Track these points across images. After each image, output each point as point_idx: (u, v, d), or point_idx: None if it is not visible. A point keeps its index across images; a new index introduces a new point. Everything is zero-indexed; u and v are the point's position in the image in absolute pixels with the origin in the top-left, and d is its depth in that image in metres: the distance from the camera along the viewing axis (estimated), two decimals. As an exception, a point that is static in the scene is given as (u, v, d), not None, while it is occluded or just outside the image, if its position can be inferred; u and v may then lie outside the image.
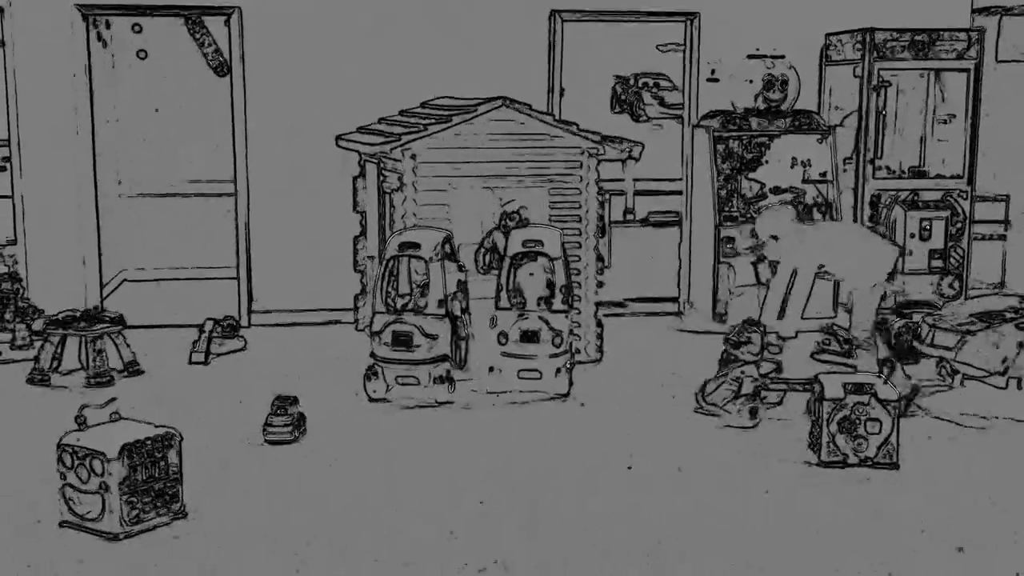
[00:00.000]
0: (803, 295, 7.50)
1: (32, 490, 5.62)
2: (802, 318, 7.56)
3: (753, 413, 6.82)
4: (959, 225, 9.24)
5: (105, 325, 7.77)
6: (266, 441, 6.47)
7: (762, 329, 7.02)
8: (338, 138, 8.77)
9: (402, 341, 7.17)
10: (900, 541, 5.23)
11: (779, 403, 7.04)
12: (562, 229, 7.69)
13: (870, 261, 7.45)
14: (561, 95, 9.38)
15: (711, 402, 6.99)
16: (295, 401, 6.57)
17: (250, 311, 9.31)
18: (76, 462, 5.23)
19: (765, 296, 7.88)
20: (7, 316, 8.54)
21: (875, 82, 9.02)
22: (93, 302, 9.10)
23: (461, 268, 7.52)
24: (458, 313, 7.40)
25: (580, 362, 7.96)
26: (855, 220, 9.16)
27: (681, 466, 6.18)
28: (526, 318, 7.33)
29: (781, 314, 7.63)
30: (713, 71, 9.53)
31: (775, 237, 7.59)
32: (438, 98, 8.73)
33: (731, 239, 7.87)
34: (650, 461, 6.25)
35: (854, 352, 7.42)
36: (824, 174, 9.29)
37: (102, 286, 9.48)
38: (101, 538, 5.17)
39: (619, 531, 5.32)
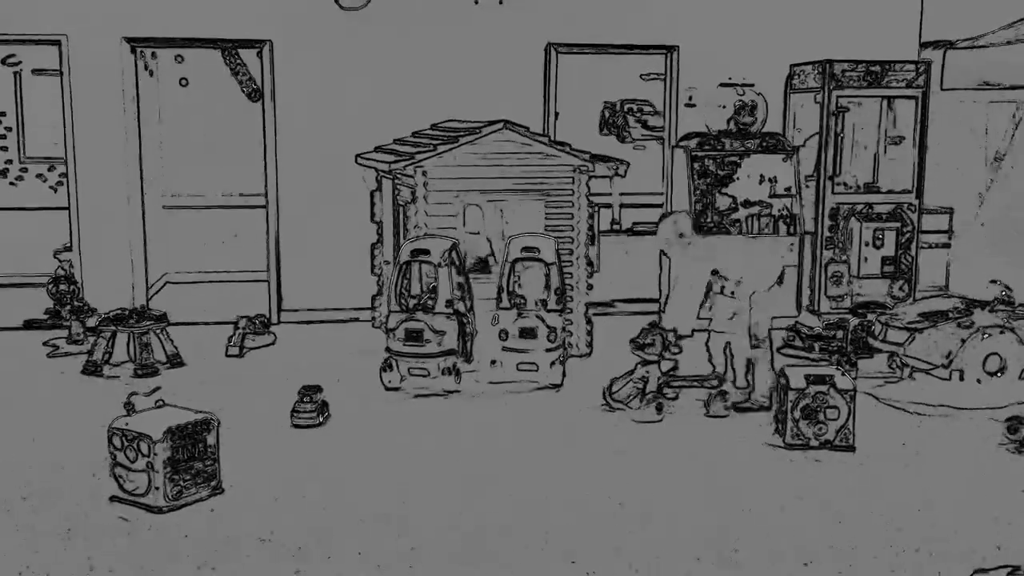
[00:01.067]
0: (696, 297, 7.15)
1: (87, 468, 5.62)
2: (699, 317, 7.30)
3: (659, 409, 6.69)
4: (908, 234, 9.24)
5: (151, 322, 7.77)
6: (294, 425, 6.47)
7: (663, 331, 6.91)
8: (358, 156, 8.78)
9: (414, 337, 7.17)
10: (855, 513, 5.24)
11: (675, 398, 6.98)
12: (556, 238, 7.69)
13: (759, 270, 7.12)
14: (555, 119, 9.38)
15: (617, 399, 6.85)
16: (319, 390, 6.57)
17: (280, 310, 9.31)
18: (125, 444, 5.23)
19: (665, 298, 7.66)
20: (64, 314, 8.55)
21: (834, 107, 9.02)
22: (140, 301, 9.10)
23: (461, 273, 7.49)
24: (464, 311, 7.39)
25: (572, 356, 7.96)
26: (816, 230, 9.16)
27: (662, 449, 6.19)
28: (524, 317, 7.33)
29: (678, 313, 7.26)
30: (690, 97, 9.52)
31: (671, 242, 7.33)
32: (446, 121, 8.74)
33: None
34: (635, 443, 6.26)
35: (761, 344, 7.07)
36: (789, 189, 9.28)
37: (148, 287, 9.48)
38: (147, 511, 5.17)
39: (608, 508, 5.33)
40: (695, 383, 7.03)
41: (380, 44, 9.08)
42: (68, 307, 8.52)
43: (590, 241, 8.16)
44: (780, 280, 7.02)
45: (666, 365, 6.94)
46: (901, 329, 7.41)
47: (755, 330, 6.90)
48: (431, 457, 6.03)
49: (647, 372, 6.83)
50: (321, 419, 6.52)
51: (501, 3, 9.11)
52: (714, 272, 7.01)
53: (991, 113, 10.07)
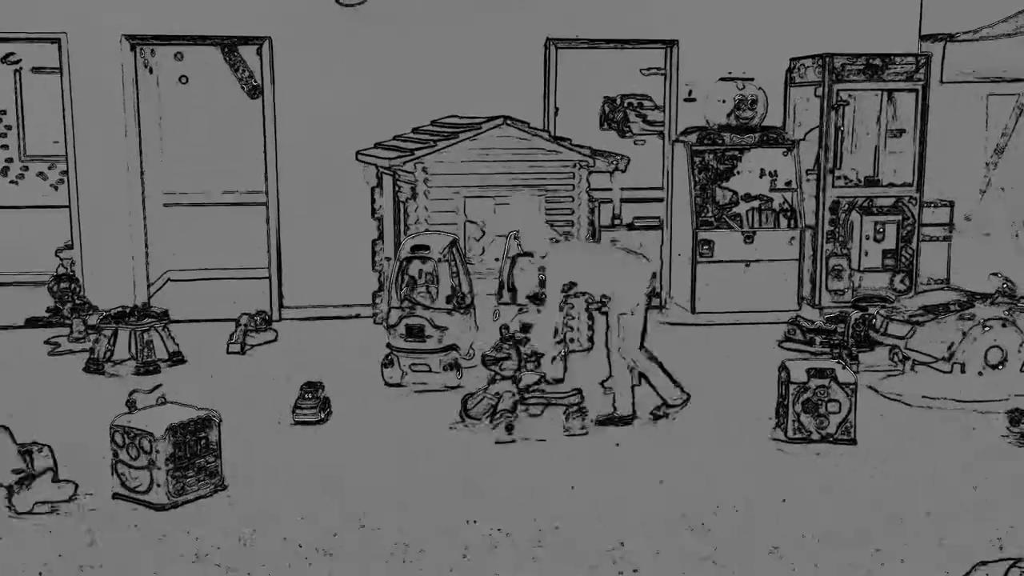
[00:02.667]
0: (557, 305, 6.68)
1: (89, 466, 5.61)
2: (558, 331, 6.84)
3: (509, 429, 6.23)
4: (909, 228, 9.23)
5: (152, 320, 7.77)
6: (295, 422, 6.47)
7: (519, 344, 6.49)
8: (358, 153, 8.77)
9: (415, 333, 7.17)
10: (856, 506, 5.24)
11: (540, 414, 6.56)
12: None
13: (627, 280, 6.48)
14: (555, 114, 9.37)
15: (473, 416, 6.40)
16: (321, 386, 6.57)
17: (281, 306, 9.31)
18: (127, 441, 5.23)
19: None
20: (65, 312, 8.55)
21: (834, 101, 9.01)
22: (141, 299, 9.10)
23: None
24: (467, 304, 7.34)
25: (573, 350, 7.96)
26: (817, 224, 9.16)
27: (665, 442, 6.19)
28: (525, 311, 7.31)
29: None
30: (690, 92, 9.52)
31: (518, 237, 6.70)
32: (446, 117, 8.73)
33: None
34: (636, 441, 6.26)
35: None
36: (789, 183, 9.28)
37: (149, 285, 9.48)
38: (149, 508, 5.17)
39: (608, 508, 5.33)
40: (554, 400, 6.60)
41: (380, 40, 9.07)
42: (69, 305, 8.52)
43: (591, 236, 8.15)
44: (652, 295, 6.49)
45: (531, 378, 6.56)
46: (902, 322, 7.40)
47: (624, 352, 6.46)
48: (432, 453, 6.03)
49: (501, 388, 6.40)
50: (323, 415, 6.52)
51: (500, -2, 9.10)
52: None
53: (991, 106, 10.05)
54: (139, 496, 5.21)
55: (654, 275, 6.51)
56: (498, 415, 6.31)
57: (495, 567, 4.67)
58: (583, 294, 6.70)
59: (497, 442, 6.16)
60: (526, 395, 6.57)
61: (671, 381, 6.55)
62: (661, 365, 6.53)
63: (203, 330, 8.61)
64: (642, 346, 6.48)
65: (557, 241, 6.63)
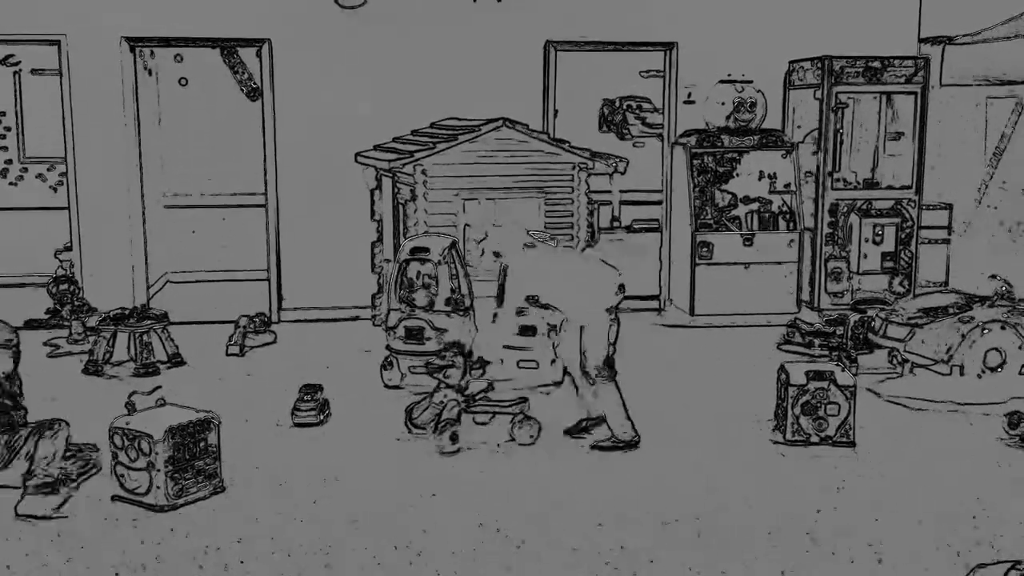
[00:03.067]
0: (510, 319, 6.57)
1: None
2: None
3: (454, 439, 6.04)
4: (908, 230, 9.23)
5: (151, 321, 7.76)
6: (295, 424, 6.47)
7: (464, 351, 6.33)
8: (357, 155, 8.77)
9: (414, 335, 7.17)
10: (854, 508, 5.24)
11: (488, 423, 6.32)
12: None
13: (593, 289, 6.14)
14: (555, 116, 9.37)
15: (418, 425, 6.26)
16: (320, 388, 6.57)
17: (280, 308, 9.31)
18: (126, 443, 5.23)
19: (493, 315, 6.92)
20: (65, 314, 8.54)
21: (833, 104, 9.02)
22: (140, 301, 9.09)
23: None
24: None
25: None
26: (816, 226, 9.16)
27: (662, 443, 6.19)
28: (524, 314, 7.31)
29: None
30: (689, 94, 9.53)
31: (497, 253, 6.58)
32: (446, 119, 8.73)
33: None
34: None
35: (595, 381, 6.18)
36: (788, 185, 9.29)
37: (148, 287, 9.48)
38: (149, 510, 5.17)
39: (609, 506, 5.33)
40: (501, 408, 6.32)
41: (379, 42, 9.07)
42: (69, 307, 8.52)
43: (590, 238, 8.15)
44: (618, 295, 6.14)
45: (478, 386, 6.35)
46: (901, 325, 7.40)
47: (588, 364, 6.14)
48: (431, 456, 6.03)
49: (446, 397, 6.22)
50: (322, 418, 6.52)
51: (499, 1, 9.10)
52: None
53: (990, 108, 10.05)
54: (138, 498, 5.21)
55: (621, 287, 6.17)
56: (442, 424, 6.10)
57: (495, 567, 4.66)
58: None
59: (441, 452, 6.00)
60: (472, 404, 6.31)
61: (626, 414, 6.11)
62: (621, 395, 6.14)
63: (202, 332, 8.60)
64: (608, 367, 6.14)
65: (532, 246, 6.49)
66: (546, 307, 6.25)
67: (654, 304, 9.73)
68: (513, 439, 6.18)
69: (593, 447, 6.12)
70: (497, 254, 6.46)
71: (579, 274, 6.28)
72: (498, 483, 5.62)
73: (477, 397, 6.36)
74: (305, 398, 6.48)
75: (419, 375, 7.16)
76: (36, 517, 5.07)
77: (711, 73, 9.27)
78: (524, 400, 6.34)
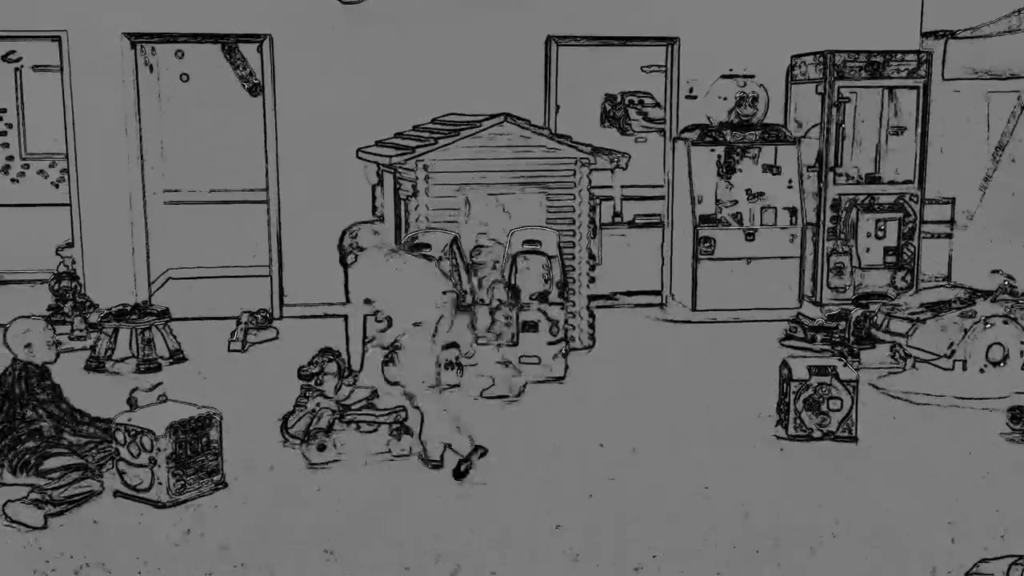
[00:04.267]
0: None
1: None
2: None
3: (321, 448, 5.80)
4: (910, 225, 9.22)
5: (153, 318, 7.77)
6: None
7: (338, 358, 6.14)
8: (359, 151, 8.76)
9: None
10: (857, 503, 5.23)
11: (374, 431, 5.97)
12: (558, 230, 7.68)
13: (413, 299, 5.98)
14: (556, 111, 9.36)
15: (294, 435, 6.03)
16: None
17: (282, 304, 9.30)
18: (128, 439, 5.23)
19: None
20: (66, 310, 8.54)
21: (835, 98, 9.00)
22: (142, 297, 9.09)
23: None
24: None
25: (574, 349, 7.95)
26: (818, 221, 9.15)
27: (663, 443, 6.19)
28: (527, 310, 7.32)
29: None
30: (691, 89, 9.51)
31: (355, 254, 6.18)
32: (447, 115, 8.72)
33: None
34: (630, 437, 6.26)
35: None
36: (790, 181, 9.27)
37: (150, 283, 9.47)
38: (150, 506, 5.17)
39: (608, 506, 5.33)
40: (376, 419, 6.00)
41: (380, 38, 9.06)
42: (70, 303, 8.52)
43: (591, 234, 8.15)
44: (458, 309, 5.93)
45: (360, 394, 6.13)
46: (903, 319, 7.39)
47: (403, 378, 5.94)
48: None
49: (318, 406, 6.01)
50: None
51: (501, -4, 9.09)
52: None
53: (992, 103, 10.04)
54: (140, 494, 5.21)
55: (457, 297, 5.94)
56: (311, 433, 5.88)
57: (496, 568, 4.66)
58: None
59: (310, 465, 5.78)
60: (347, 413, 6.01)
61: (457, 427, 5.84)
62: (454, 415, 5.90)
63: (204, 328, 8.60)
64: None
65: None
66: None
67: (656, 299, 9.72)
68: (390, 451, 5.91)
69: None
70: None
71: (408, 280, 6.12)
72: (498, 483, 5.62)
73: (355, 406, 6.05)
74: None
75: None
76: (21, 524, 5.04)
77: (713, 68, 9.25)
78: (402, 409, 6.00)
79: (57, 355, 5.70)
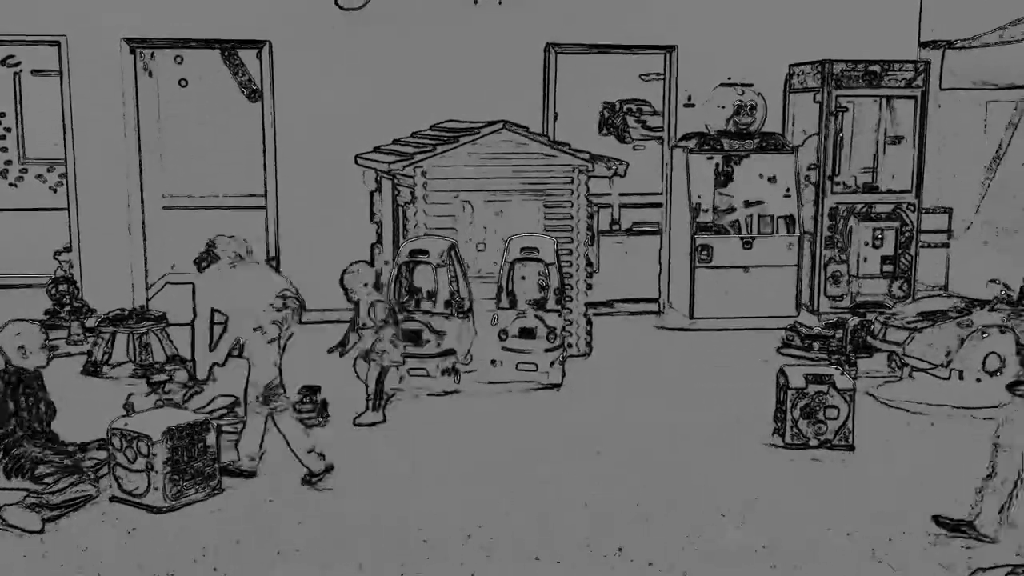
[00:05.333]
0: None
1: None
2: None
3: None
4: (907, 234, 9.23)
5: (150, 323, 7.76)
6: (293, 425, 6.44)
7: (186, 364, 5.85)
8: (357, 157, 8.77)
9: (412, 337, 7.16)
10: (853, 511, 5.24)
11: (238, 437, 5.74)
12: (556, 238, 7.69)
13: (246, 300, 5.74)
14: (555, 119, 9.38)
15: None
16: (319, 390, 6.57)
17: (279, 310, 9.28)
18: (125, 444, 5.23)
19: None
20: (64, 314, 8.53)
21: (833, 107, 9.02)
22: (139, 302, 9.09)
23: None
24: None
25: (572, 356, 7.96)
26: (815, 230, 9.16)
27: (662, 448, 6.19)
28: (524, 316, 7.32)
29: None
30: (689, 97, 9.53)
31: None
32: (446, 121, 8.73)
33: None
34: (632, 442, 6.26)
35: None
36: (788, 189, 9.28)
37: (147, 288, 9.47)
38: (147, 511, 5.17)
39: (607, 507, 5.33)
40: (226, 428, 5.82)
41: (379, 44, 9.07)
42: (68, 308, 8.51)
43: (589, 241, 8.15)
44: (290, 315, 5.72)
45: (222, 402, 6.10)
46: (900, 328, 7.40)
47: (253, 385, 5.69)
48: (430, 457, 6.03)
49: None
50: (320, 419, 6.51)
51: (500, 3, 9.10)
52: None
53: (990, 112, 10.06)
54: (137, 499, 5.20)
55: (286, 302, 5.86)
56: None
57: (495, 568, 4.66)
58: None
59: None
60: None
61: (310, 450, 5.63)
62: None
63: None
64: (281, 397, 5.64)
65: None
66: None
67: (653, 307, 9.72)
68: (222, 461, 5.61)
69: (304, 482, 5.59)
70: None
71: (243, 282, 5.92)
72: (499, 483, 5.62)
73: (216, 413, 5.91)
74: (304, 399, 6.48)
75: (418, 377, 7.16)
76: (19, 528, 5.03)
77: (711, 76, 9.27)
78: (242, 420, 5.82)
79: (49, 359, 5.66)
